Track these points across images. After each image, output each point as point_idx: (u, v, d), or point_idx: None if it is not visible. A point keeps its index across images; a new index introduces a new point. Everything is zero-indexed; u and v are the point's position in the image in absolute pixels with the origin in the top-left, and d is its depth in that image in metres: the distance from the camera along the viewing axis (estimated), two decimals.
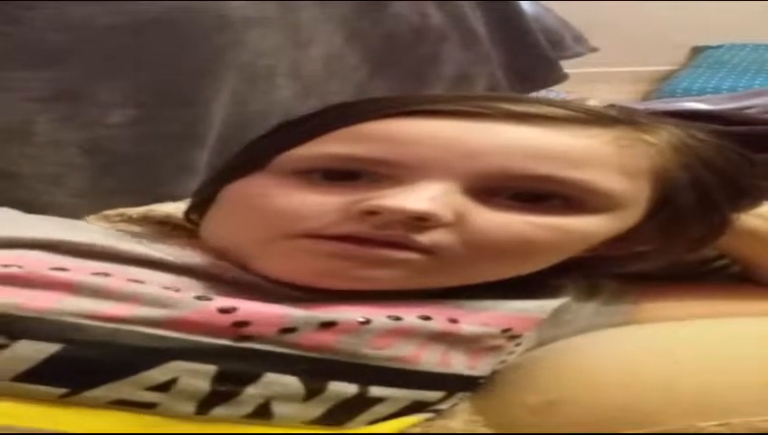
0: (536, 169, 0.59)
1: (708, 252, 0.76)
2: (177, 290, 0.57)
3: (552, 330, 0.69)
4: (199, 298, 0.55)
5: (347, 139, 0.61)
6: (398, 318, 0.59)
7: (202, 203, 0.70)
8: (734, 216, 0.69)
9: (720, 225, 0.68)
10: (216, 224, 0.67)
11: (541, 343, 0.69)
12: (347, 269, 0.59)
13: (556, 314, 0.68)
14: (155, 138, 0.89)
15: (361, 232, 0.58)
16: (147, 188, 0.86)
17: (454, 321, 0.61)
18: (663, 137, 0.64)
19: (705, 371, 0.62)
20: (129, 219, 0.75)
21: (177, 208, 0.76)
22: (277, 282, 0.62)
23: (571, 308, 0.70)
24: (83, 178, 0.86)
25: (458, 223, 0.58)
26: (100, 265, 0.59)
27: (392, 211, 0.57)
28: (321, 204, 0.59)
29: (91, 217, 0.77)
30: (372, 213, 0.58)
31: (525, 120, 0.61)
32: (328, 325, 0.57)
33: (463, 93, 0.67)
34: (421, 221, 0.57)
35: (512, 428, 0.62)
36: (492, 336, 0.63)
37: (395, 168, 0.59)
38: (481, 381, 0.64)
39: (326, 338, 0.57)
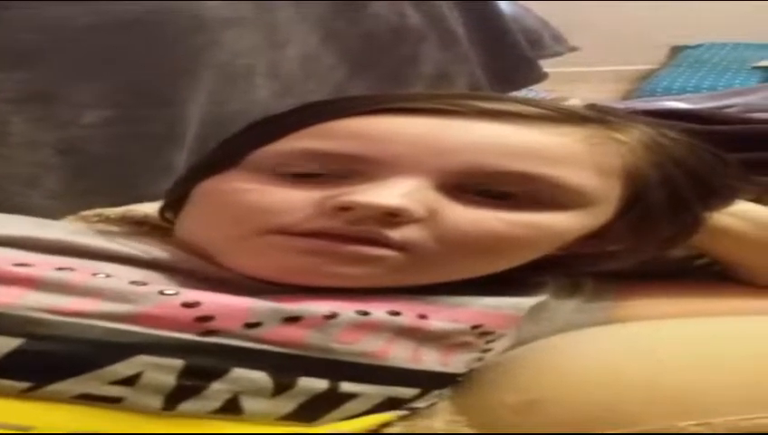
0: (508, 166, 0.60)
1: (690, 250, 0.76)
2: (145, 284, 0.57)
3: (531, 328, 0.69)
4: (163, 293, 0.55)
5: (320, 135, 0.61)
6: (365, 313, 0.59)
7: (176, 201, 0.69)
8: (707, 215, 0.69)
9: (692, 224, 0.68)
10: (189, 221, 0.67)
11: (521, 342, 0.69)
12: (318, 266, 0.59)
13: (535, 311, 0.68)
14: (132, 138, 0.88)
15: (333, 228, 0.58)
16: (124, 189, 0.85)
17: (423, 317, 0.61)
18: (634, 135, 0.65)
19: (687, 370, 0.62)
20: (107, 220, 0.74)
21: (155, 209, 0.75)
22: (246, 277, 0.62)
23: (551, 306, 0.70)
24: (58, 178, 0.85)
25: (431, 219, 0.58)
26: (66, 261, 0.58)
27: (365, 207, 0.57)
28: (293, 200, 0.59)
29: (69, 218, 0.76)
30: (345, 209, 0.57)
31: (498, 118, 0.61)
32: (293, 320, 0.56)
33: (437, 92, 0.67)
34: (393, 217, 0.57)
35: (494, 427, 0.62)
36: (461, 333, 0.63)
37: (369, 164, 0.59)
38: (459, 378, 0.64)
39: (292, 333, 0.56)
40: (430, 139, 0.60)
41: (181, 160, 0.91)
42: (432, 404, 0.63)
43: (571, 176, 0.61)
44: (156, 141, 0.90)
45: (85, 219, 0.75)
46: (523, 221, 0.60)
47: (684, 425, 0.58)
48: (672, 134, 0.67)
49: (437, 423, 0.62)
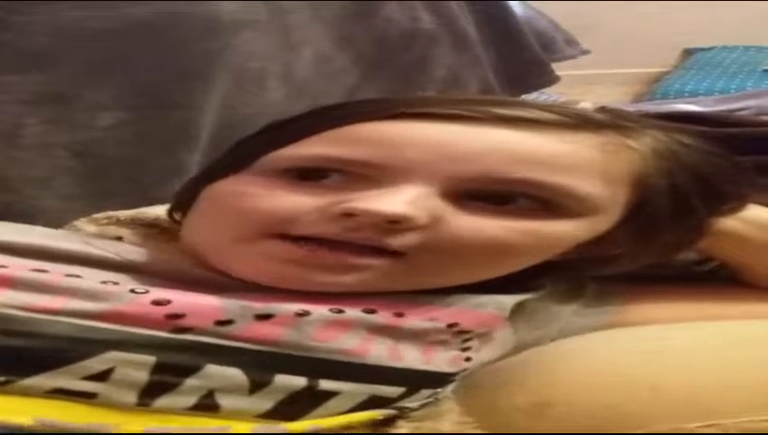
0: (516, 173, 0.59)
1: (697, 254, 0.76)
2: (116, 284, 0.58)
3: (530, 331, 0.69)
4: (134, 291, 0.56)
5: (333, 140, 0.61)
6: (339, 311, 0.59)
7: (185, 202, 0.70)
8: (714, 220, 0.69)
9: (697, 230, 0.68)
10: (194, 222, 0.67)
11: (523, 345, 0.69)
12: (313, 274, 0.59)
13: (533, 314, 0.69)
14: (145, 140, 0.89)
15: (334, 234, 0.58)
16: (137, 192, 0.86)
17: (399, 314, 0.61)
18: (647, 142, 0.64)
19: (696, 372, 0.62)
20: (117, 222, 0.75)
21: (165, 211, 0.76)
22: (219, 275, 0.62)
23: (551, 309, 0.71)
24: (72, 181, 0.86)
25: (432, 226, 0.58)
26: (41, 264, 0.60)
27: (368, 213, 0.57)
28: (298, 204, 0.60)
29: (80, 221, 0.76)
30: (348, 215, 0.58)
31: (513, 125, 0.61)
32: (264, 317, 0.57)
33: (452, 96, 0.67)
34: (395, 224, 0.57)
35: (504, 429, 0.62)
36: (437, 331, 0.63)
37: (377, 170, 0.59)
38: (451, 378, 0.64)
39: (265, 330, 0.57)
40: (442, 145, 0.60)
41: (194, 163, 0.91)
42: (427, 403, 0.63)
43: (581, 184, 0.60)
44: (169, 144, 0.90)
45: (96, 222, 0.75)
46: (526, 229, 0.60)
47: (693, 426, 0.58)
48: (686, 140, 0.66)
49: (445, 425, 0.62)
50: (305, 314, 0.58)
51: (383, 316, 0.60)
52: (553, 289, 0.71)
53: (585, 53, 1.53)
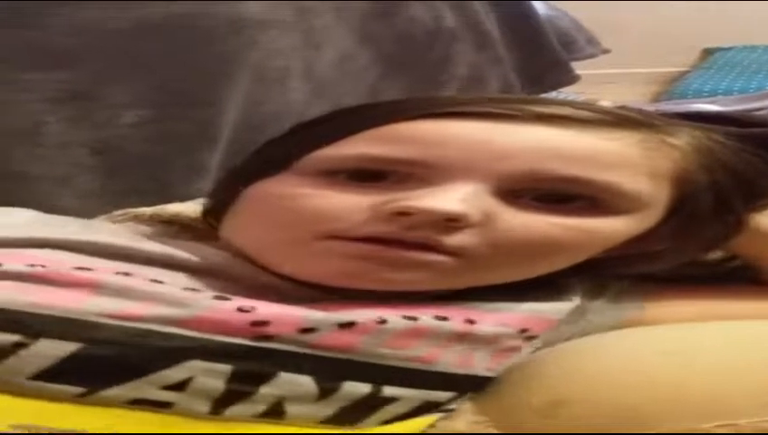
0: (564, 171, 0.60)
1: (722, 252, 0.76)
2: (196, 290, 0.58)
3: (555, 329, 0.69)
4: (218, 298, 0.56)
5: (378, 139, 0.62)
6: (414, 318, 0.59)
7: (221, 204, 0.69)
8: (748, 217, 0.69)
9: (734, 226, 0.68)
10: (239, 224, 0.67)
11: (546, 343, 0.69)
12: (374, 271, 0.59)
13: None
14: (166, 138, 0.89)
15: (388, 233, 0.58)
16: (157, 190, 0.86)
17: (470, 321, 0.62)
18: (685, 139, 0.65)
19: (713, 372, 0.62)
20: (135, 218, 0.75)
21: (184, 208, 0.76)
22: (295, 282, 0.62)
23: (578, 308, 0.71)
24: (93, 179, 0.86)
25: (485, 224, 0.59)
26: (122, 266, 0.60)
27: (425, 212, 0.57)
28: (349, 205, 0.60)
29: (100, 218, 0.77)
30: (403, 214, 0.58)
31: (554, 122, 0.61)
32: (347, 326, 0.57)
33: (492, 95, 0.68)
34: (451, 222, 0.57)
35: (519, 428, 0.62)
36: (510, 337, 0.63)
37: (426, 169, 0.60)
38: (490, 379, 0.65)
39: (346, 338, 0.57)
40: (487, 143, 0.60)
41: (215, 161, 0.91)
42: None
43: (626, 181, 0.61)
44: (190, 142, 0.90)
45: (113, 219, 0.75)
46: (575, 226, 0.61)
47: (709, 426, 0.58)
48: (719, 137, 0.66)
49: (460, 424, 0.63)
50: (383, 321, 0.58)
51: (456, 323, 0.61)
52: (582, 287, 0.72)
53: (605, 52, 1.53)
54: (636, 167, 0.61)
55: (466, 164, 0.59)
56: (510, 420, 0.63)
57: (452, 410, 0.63)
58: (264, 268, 0.64)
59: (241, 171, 0.69)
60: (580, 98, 1.79)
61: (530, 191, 0.60)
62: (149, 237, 0.68)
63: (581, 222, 0.61)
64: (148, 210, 0.76)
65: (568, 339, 0.69)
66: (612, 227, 0.62)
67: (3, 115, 0.81)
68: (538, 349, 0.68)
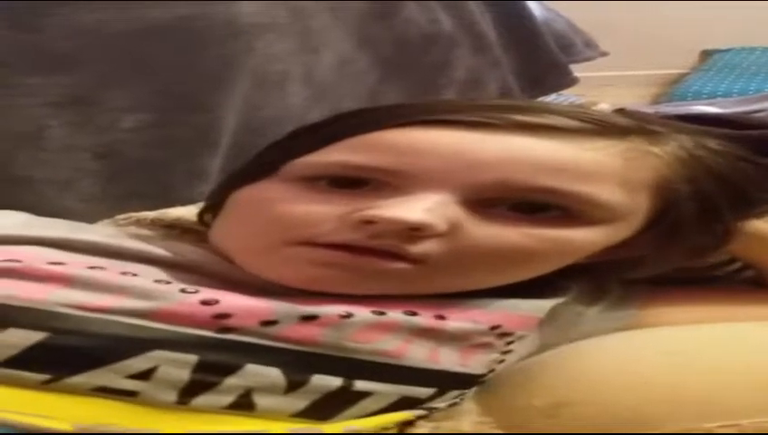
0: (539, 182, 0.59)
1: (720, 256, 0.76)
2: (168, 283, 0.59)
3: (554, 332, 0.69)
4: (184, 291, 0.57)
5: (359, 147, 0.62)
6: (381, 313, 0.60)
7: (213, 207, 0.71)
8: (740, 224, 0.69)
9: (723, 234, 0.68)
10: (222, 227, 0.69)
11: (545, 346, 0.69)
12: (340, 278, 0.60)
13: (557, 316, 0.69)
14: (167, 143, 0.89)
15: (355, 241, 0.59)
16: (159, 194, 0.87)
17: (440, 317, 0.62)
18: (671, 148, 0.64)
19: (714, 372, 0.62)
20: (137, 222, 0.76)
21: (186, 212, 0.77)
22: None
23: (575, 311, 0.71)
24: (95, 183, 0.86)
25: (451, 233, 0.59)
26: (98, 261, 0.61)
27: (388, 221, 0.58)
28: (321, 212, 0.60)
29: (102, 222, 0.77)
30: (368, 222, 0.58)
31: (534, 132, 0.61)
32: (309, 319, 0.58)
33: (476, 102, 0.67)
34: (415, 231, 0.58)
35: (522, 429, 0.62)
36: (480, 333, 0.63)
37: (399, 177, 0.60)
38: (480, 379, 0.65)
39: (308, 331, 0.57)
40: (463, 153, 0.60)
41: (216, 166, 0.92)
42: (453, 404, 0.64)
43: (602, 192, 0.60)
44: (191, 146, 0.90)
45: (116, 222, 0.76)
46: (546, 236, 0.60)
47: (712, 426, 0.58)
48: (712, 144, 0.66)
49: (464, 424, 0.63)
50: (349, 315, 0.58)
51: (424, 318, 0.61)
52: (578, 291, 0.72)
53: (604, 54, 1.53)
54: (613, 177, 0.61)
55: (436, 174, 0.59)
56: (514, 421, 0.63)
57: (439, 408, 0.63)
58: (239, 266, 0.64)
59: (234, 176, 0.70)
60: (580, 101, 1.79)
61: (503, 201, 0.60)
62: (143, 239, 0.68)
63: (554, 232, 0.61)
64: (149, 214, 0.77)
65: (570, 341, 0.70)
66: (586, 238, 0.62)
67: (6, 119, 0.82)
68: (536, 352, 0.68)
